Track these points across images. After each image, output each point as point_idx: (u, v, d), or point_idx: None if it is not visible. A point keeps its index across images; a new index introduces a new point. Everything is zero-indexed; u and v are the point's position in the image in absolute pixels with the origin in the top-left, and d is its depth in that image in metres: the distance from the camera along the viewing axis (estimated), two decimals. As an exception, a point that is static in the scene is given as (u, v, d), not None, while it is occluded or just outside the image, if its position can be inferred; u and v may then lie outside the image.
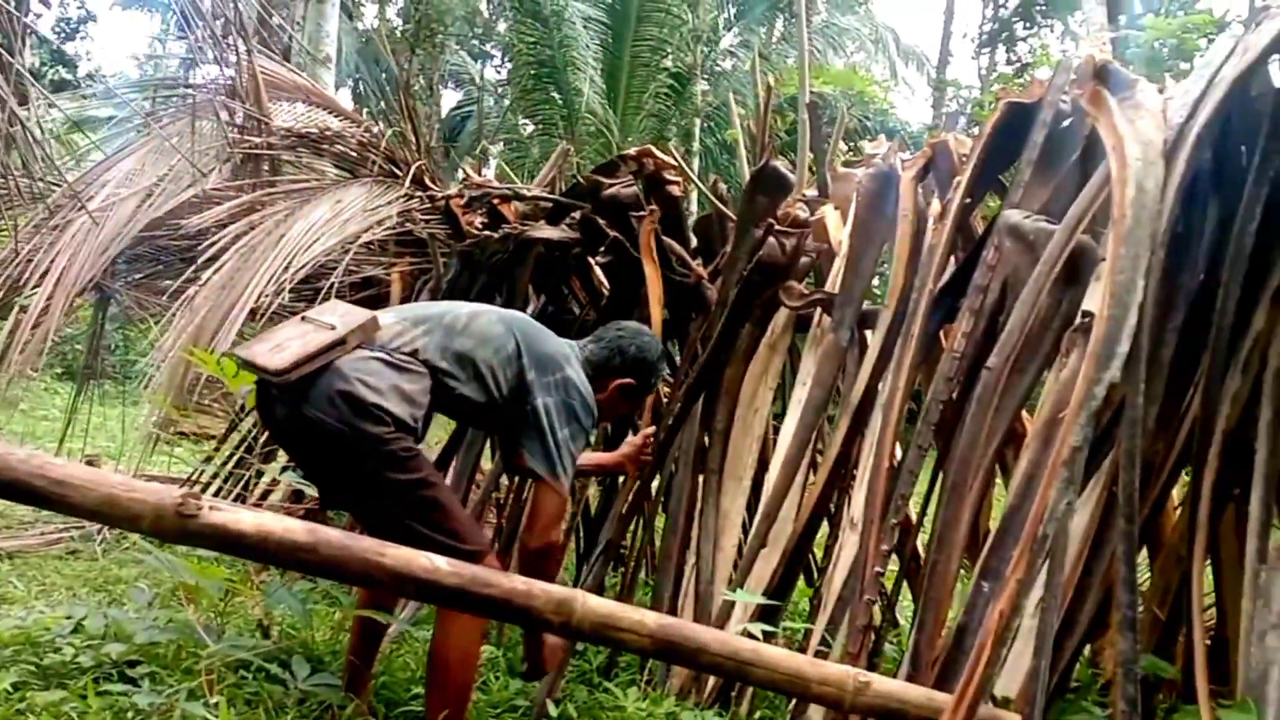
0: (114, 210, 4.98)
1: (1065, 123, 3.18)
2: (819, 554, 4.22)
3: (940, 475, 3.20)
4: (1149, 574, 3.24)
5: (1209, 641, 3.11)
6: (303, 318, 2.89)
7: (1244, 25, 2.87)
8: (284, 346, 2.71)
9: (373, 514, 2.86)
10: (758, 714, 3.36)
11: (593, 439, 3.28)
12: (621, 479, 4.32)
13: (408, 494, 2.70)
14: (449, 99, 25.21)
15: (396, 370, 2.78)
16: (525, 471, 2.99)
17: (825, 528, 3.91)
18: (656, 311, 4.29)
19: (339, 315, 2.84)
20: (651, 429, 3.78)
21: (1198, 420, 2.68)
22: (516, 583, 2.15)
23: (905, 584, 3.66)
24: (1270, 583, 2.39)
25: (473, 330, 2.96)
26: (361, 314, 2.87)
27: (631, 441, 3.62)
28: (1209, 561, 3.02)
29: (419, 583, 2.06)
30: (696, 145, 16.00)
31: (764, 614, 3.44)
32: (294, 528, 1.97)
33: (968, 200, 3.32)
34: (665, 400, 5.12)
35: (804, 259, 4.13)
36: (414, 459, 2.73)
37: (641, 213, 4.48)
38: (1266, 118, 2.68)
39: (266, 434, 3.07)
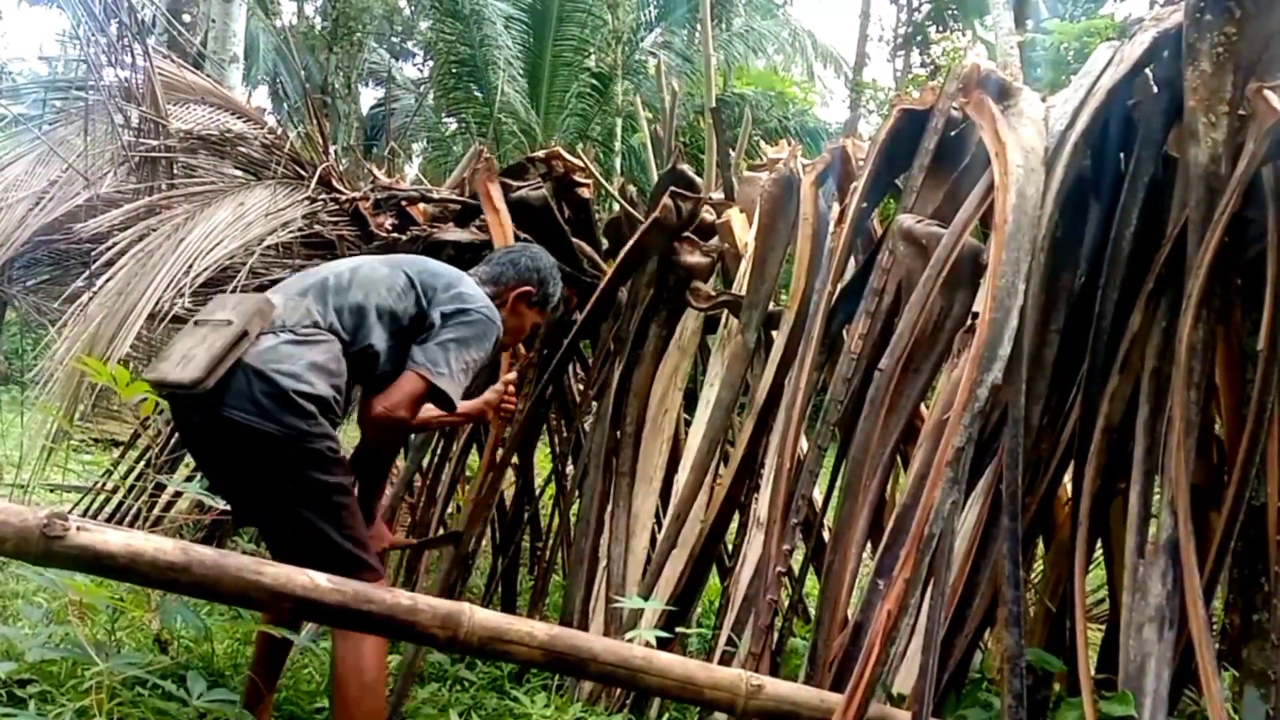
0: (3, 215, 4.83)
1: (957, 129, 3.24)
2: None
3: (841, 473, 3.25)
4: (1043, 567, 3.33)
5: (1103, 632, 3.21)
6: (195, 322, 2.79)
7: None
8: (189, 356, 2.61)
9: (283, 517, 2.75)
10: (665, 717, 3.37)
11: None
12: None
13: (327, 497, 2.65)
14: (371, 97, 24.93)
15: (306, 345, 2.70)
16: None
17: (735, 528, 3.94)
18: None
19: (231, 308, 2.75)
20: (513, 375, 3.57)
21: (1080, 419, 2.76)
22: (400, 598, 2.12)
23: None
24: (1147, 576, 2.45)
25: (358, 280, 2.89)
26: (253, 299, 2.80)
27: (494, 388, 3.44)
28: (1102, 553, 3.12)
29: (298, 600, 2.02)
30: (619, 145, 16.01)
31: (674, 616, 3.46)
32: (165, 547, 1.91)
33: (864, 204, 3.37)
34: (577, 398, 5.15)
35: (708, 259, 4.16)
36: (338, 463, 2.69)
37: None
38: (1142, 126, 2.77)
39: (179, 443, 2.92)
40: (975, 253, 2.89)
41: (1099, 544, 3.03)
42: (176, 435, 2.92)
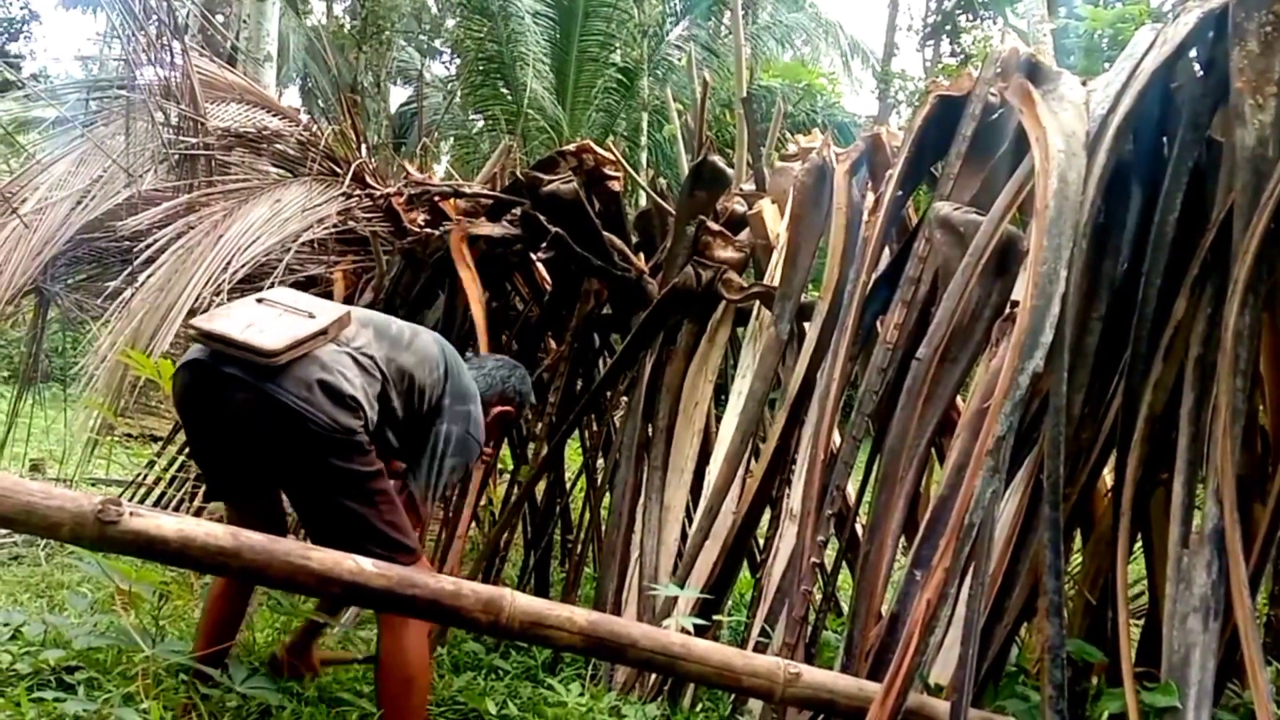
0: (47, 214, 4.89)
1: (995, 115, 3.21)
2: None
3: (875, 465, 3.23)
4: (1081, 558, 3.29)
5: (1142, 624, 3.17)
6: (259, 299, 2.80)
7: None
8: (260, 327, 2.62)
9: (322, 504, 2.75)
10: (699, 707, 3.37)
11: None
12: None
13: (365, 484, 2.70)
14: (400, 95, 25.02)
15: (362, 371, 2.78)
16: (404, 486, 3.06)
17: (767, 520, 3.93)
18: (478, 311, 4.43)
19: (308, 303, 2.82)
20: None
21: (1122, 407, 2.72)
22: (444, 583, 2.14)
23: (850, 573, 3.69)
24: (1191, 566, 2.42)
25: (415, 347, 3.00)
26: (335, 306, 2.88)
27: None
28: (1142, 545, 3.08)
29: (345, 585, 2.04)
30: (645, 139, 15.99)
31: (706, 607, 3.45)
32: (216, 532, 1.94)
33: (899, 193, 3.35)
34: (609, 396, 5.15)
35: (739, 254, 4.15)
36: (373, 452, 2.75)
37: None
38: (1186, 109, 2.73)
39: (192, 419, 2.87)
40: (1014, 240, 2.86)
41: (1138, 535, 2.99)
42: (183, 405, 2.86)
